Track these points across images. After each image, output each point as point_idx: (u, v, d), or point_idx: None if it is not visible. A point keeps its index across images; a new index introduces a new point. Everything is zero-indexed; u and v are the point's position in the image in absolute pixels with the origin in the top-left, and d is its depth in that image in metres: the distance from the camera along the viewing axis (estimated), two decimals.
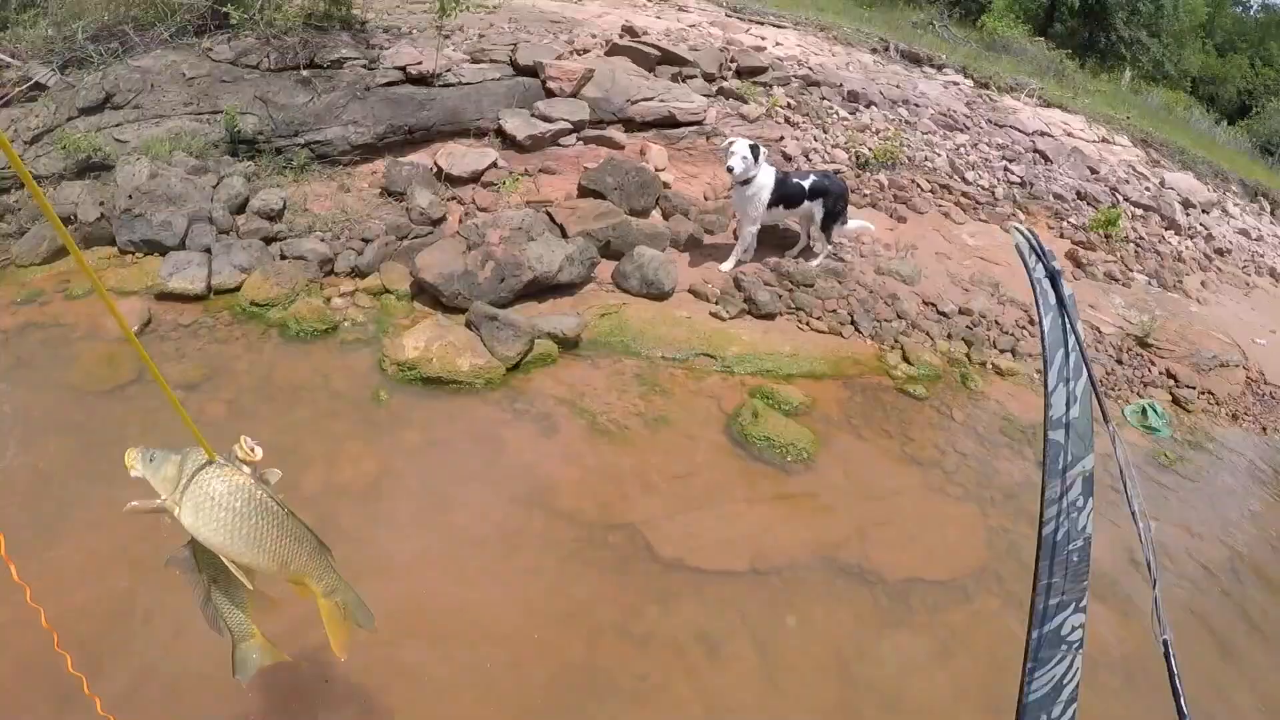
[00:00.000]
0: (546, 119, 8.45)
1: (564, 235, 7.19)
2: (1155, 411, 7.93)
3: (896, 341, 7.35)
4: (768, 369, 6.69)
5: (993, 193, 10.36)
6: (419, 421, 5.50)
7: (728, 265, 7.66)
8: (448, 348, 5.89)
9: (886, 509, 5.49)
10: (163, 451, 1.99)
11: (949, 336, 7.66)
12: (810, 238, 8.08)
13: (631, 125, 8.89)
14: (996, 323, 8.03)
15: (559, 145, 8.47)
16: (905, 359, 7.17)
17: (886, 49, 14.99)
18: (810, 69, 11.60)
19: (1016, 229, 2.23)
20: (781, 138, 9.55)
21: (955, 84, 14.06)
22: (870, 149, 9.87)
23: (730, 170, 7.11)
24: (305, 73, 7.95)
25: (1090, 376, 2.00)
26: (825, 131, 10.02)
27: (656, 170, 8.32)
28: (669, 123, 9.01)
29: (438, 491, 4.93)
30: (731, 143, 7.16)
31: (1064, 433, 2.01)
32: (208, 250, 6.55)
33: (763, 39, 12.80)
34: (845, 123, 10.39)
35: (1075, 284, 9.43)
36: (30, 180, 1.29)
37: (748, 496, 5.34)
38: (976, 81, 14.45)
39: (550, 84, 8.80)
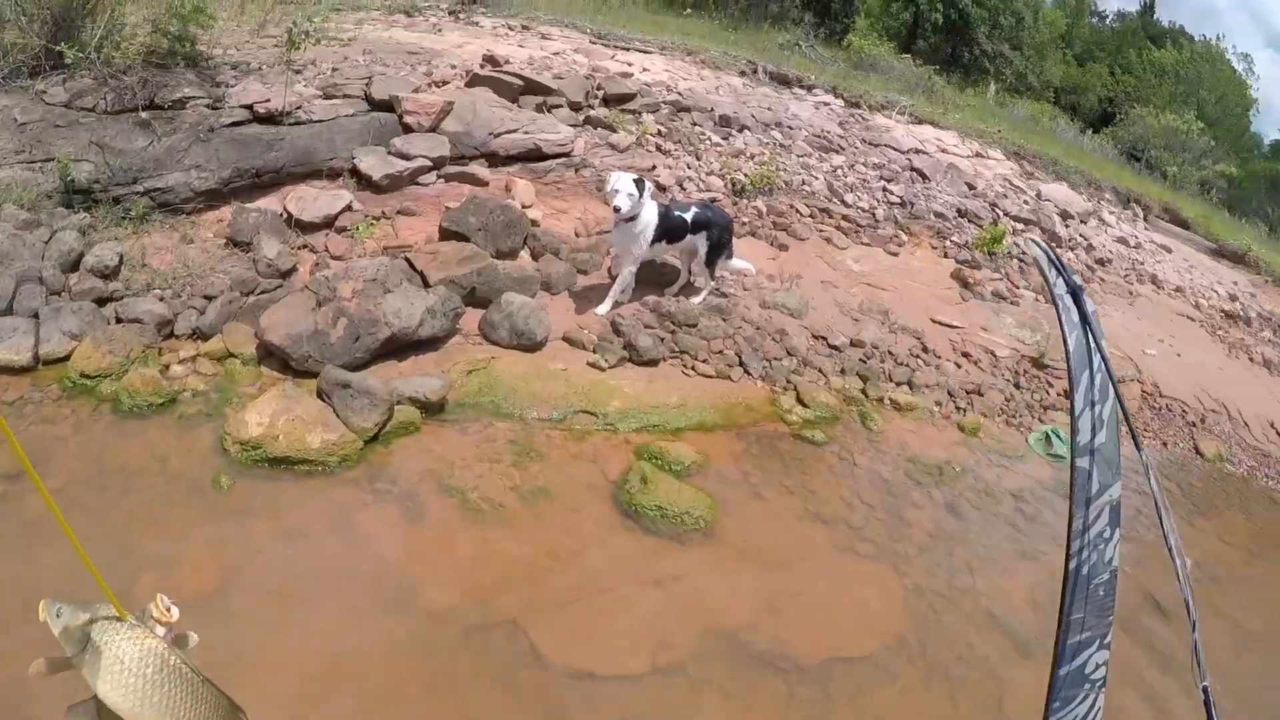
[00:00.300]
0: (404, 156, 7.89)
1: (425, 284, 6.64)
2: (1059, 438, 7.76)
3: (789, 382, 7.00)
4: (654, 424, 6.23)
5: (873, 214, 10.15)
6: (266, 510, 4.83)
7: (604, 308, 7.20)
8: (295, 422, 5.21)
9: (795, 578, 5.10)
10: (70, 607, 1.81)
11: (842, 372, 7.34)
12: (691, 273, 7.71)
13: (495, 160, 8.40)
14: (890, 353, 7.76)
15: (418, 184, 7.91)
16: (800, 400, 6.83)
17: (755, 71, 14.86)
18: (680, 94, 11.26)
19: (1034, 241, 2.20)
20: (654, 167, 9.12)
21: (826, 104, 13.99)
22: (746, 175, 9.53)
23: (617, 210, 6.69)
24: (145, 114, 7.19)
25: (1118, 398, 1.93)
26: (699, 158, 9.64)
27: (523, 207, 7.86)
28: (535, 156, 8.55)
29: (289, 595, 4.30)
30: (617, 179, 6.74)
31: (1089, 459, 1.93)
32: (36, 315, 5.73)
33: (629, 65, 12.43)
34: (719, 148, 10.05)
35: (964, 305, 9.22)
36: None
37: (642, 577, 4.85)
38: (847, 101, 14.42)
39: (408, 119, 8.23)
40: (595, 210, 8.29)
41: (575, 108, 9.65)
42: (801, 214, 9.62)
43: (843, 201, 10.11)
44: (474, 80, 9.26)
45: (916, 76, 17.08)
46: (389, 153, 7.89)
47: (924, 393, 7.46)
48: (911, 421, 7.08)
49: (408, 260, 6.79)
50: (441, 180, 7.96)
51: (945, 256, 10.24)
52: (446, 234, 7.19)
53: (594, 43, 13.96)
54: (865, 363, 7.50)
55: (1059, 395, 8.48)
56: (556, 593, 4.57)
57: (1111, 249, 12.92)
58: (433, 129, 8.21)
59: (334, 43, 10.11)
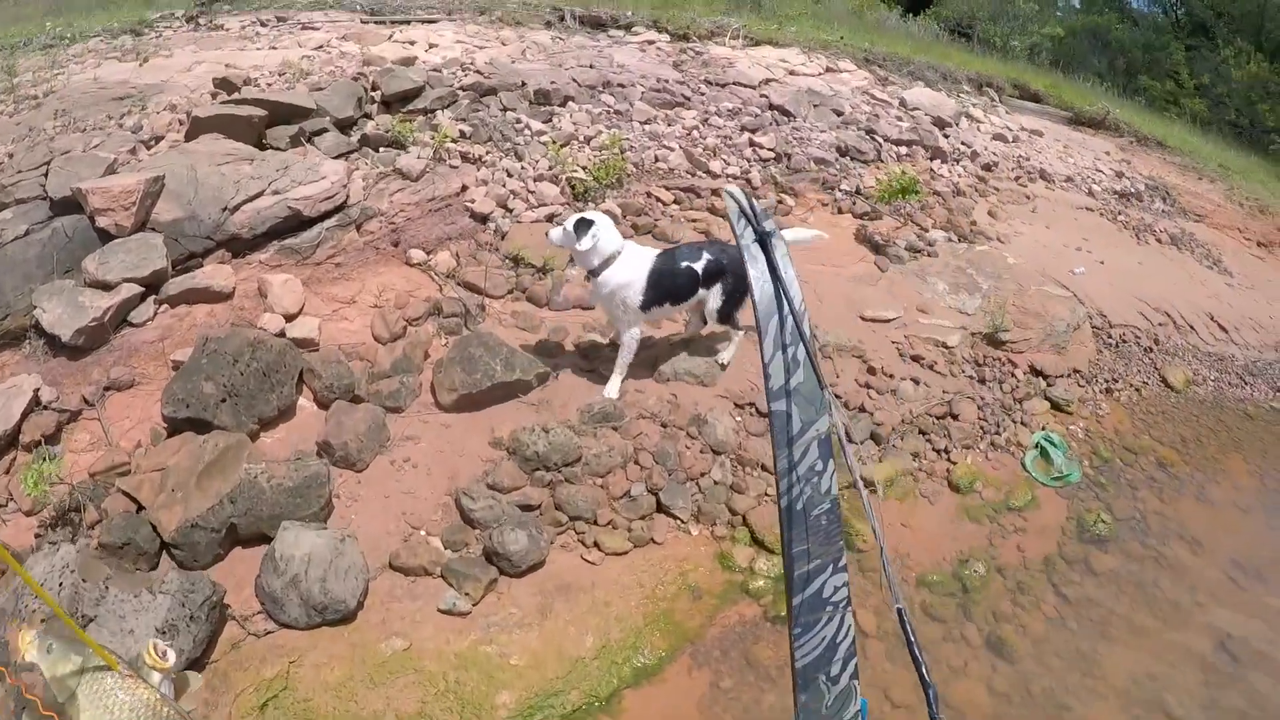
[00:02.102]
0: (103, 285, 5.00)
1: (162, 546, 3.99)
2: (1053, 445, 5.90)
3: (733, 512, 4.72)
4: (573, 709, 3.77)
5: (749, 180, 7.85)
6: None
7: (612, 389, 5.16)
8: None
9: None
10: (63, 644, 1.87)
11: None
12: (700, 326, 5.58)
13: (239, 246, 5.54)
14: (836, 396, 5.50)
15: (130, 324, 5.04)
16: (757, 540, 4.59)
17: (562, 19, 12.16)
18: (480, 71, 8.55)
19: (729, 193, 2.11)
20: (464, 188, 6.54)
21: (652, 43, 11.50)
22: (586, 168, 7.03)
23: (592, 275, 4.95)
24: None
25: (804, 339, 1.95)
26: (520, 159, 7.07)
27: (287, 320, 5.16)
28: (294, 223, 5.71)
29: None
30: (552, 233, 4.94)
31: (786, 401, 1.94)
32: None
33: (411, 44, 9.62)
34: (543, 137, 7.48)
35: (886, 280, 7.10)
36: None
37: None
38: (673, 35, 11.93)
39: (100, 220, 5.28)
40: (396, 283, 5.68)
41: (345, 126, 6.84)
42: (664, 203, 7.21)
43: (709, 173, 7.72)
44: (196, 126, 6.28)
45: None
46: (84, 284, 5.00)
47: (896, 449, 5.30)
48: (898, 506, 4.93)
49: (125, 494, 4.09)
50: (164, 309, 5.11)
51: (840, 213, 8.06)
52: (175, 424, 4.45)
53: (366, 23, 10.94)
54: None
55: (1027, 375, 6.55)
56: None
57: (994, 150, 11.03)
58: (140, 226, 5.32)
59: (21, 104, 7.12)
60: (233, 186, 5.56)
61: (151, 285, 5.10)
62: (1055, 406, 6.37)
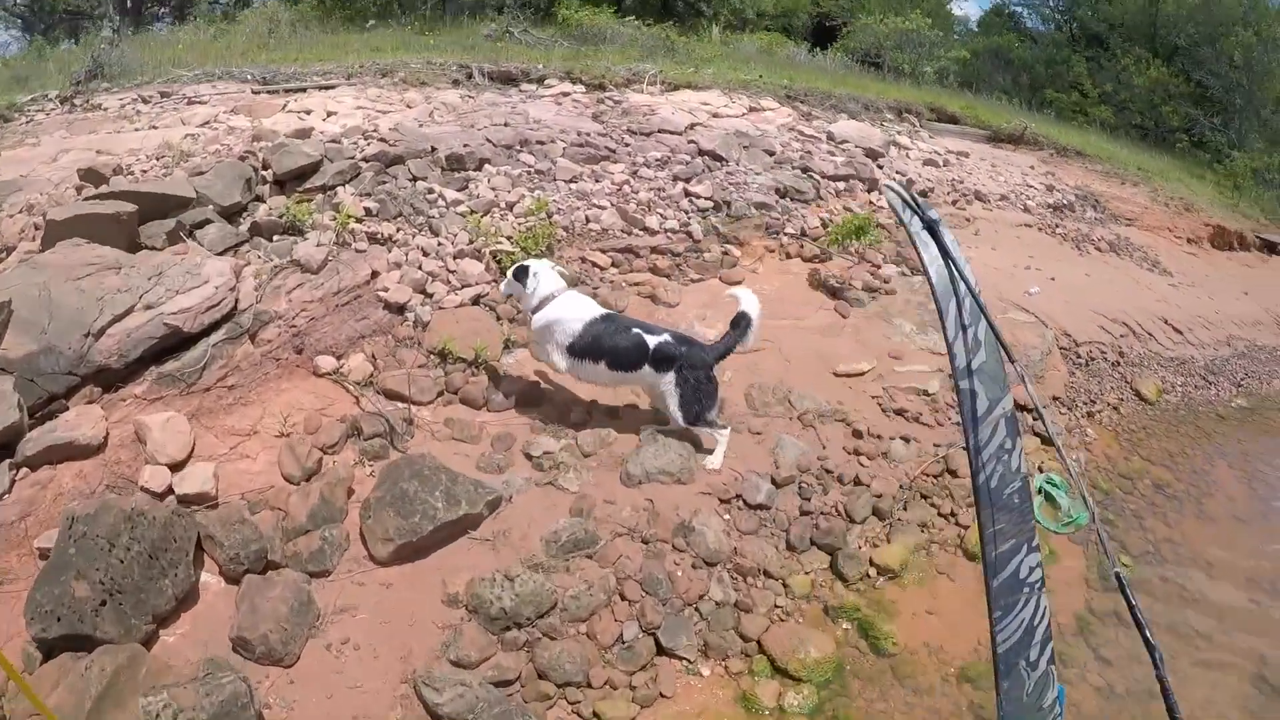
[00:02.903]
0: None
1: None
2: (1055, 487, 5.40)
3: (744, 638, 3.88)
4: None
5: (689, 233, 7.19)
6: None
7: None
8: None
9: None
10: None
11: (791, 549, 4.39)
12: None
13: (109, 378, 4.47)
14: (827, 471, 4.94)
15: None
16: (778, 668, 3.77)
17: (470, 76, 11.43)
18: (384, 139, 7.74)
19: (888, 185, 2.10)
20: (374, 275, 5.69)
21: (567, 95, 10.85)
22: (510, 237, 6.29)
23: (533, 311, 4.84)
24: None
25: (987, 317, 1.93)
26: (437, 234, 6.27)
27: (173, 470, 4.12)
28: (174, 342, 4.66)
29: None
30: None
31: (971, 380, 1.92)
32: None
33: (307, 114, 8.78)
34: (459, 207, 6.71)
35: (850, 326, 6.51)
36: None
37: None
38: (588, 85, 11.32)
39: None
40: (304, 400, 4.72)
41: (232, 215, 5.94)
42: (601, 268, 6.49)
43: (646, 229, 7.05)
44: (52, 231, 5.21)
45: (651, 37, 14.23)
46: None
47: (901, 524, 4.62)
48: (919, 594, 4.24)
49: None
50: (22, 475, 3.97)
51: (789, 257, 7.45)
52: (48, 646, 3.29)
53: (258, 93, 10.09)
54: (810, 516, 4.48)
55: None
56: None
57: (928, 175, 10.63)
58: None
59: None
60: (95, 305, 4.51)
61: (4, 446, 4.01)
62: (1046, 440, 5.84)
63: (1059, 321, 7.75)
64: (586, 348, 4.64)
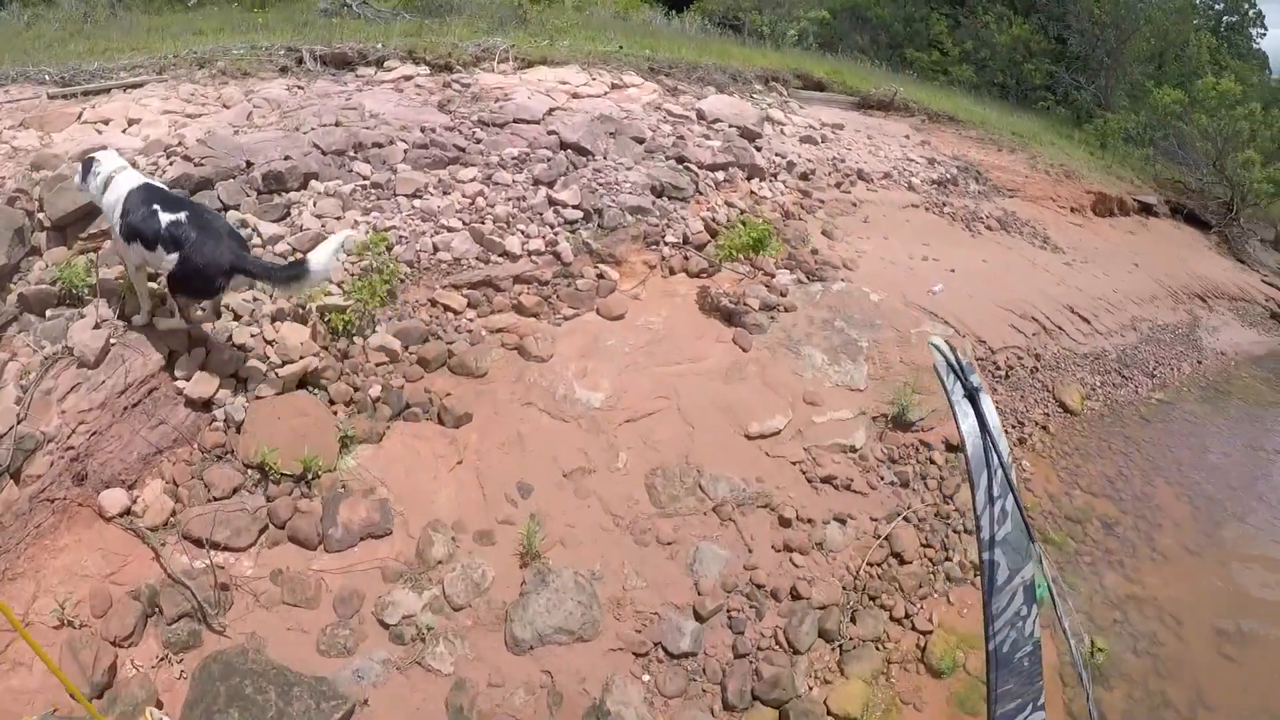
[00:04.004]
0: None
1: None
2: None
3: None
4: None
5: (556, 255, 5.99)
6: None
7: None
8: None
9: None
10: None
11: (729, 710, 3.48)
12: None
13: None
14: (758, 587, 4.03)
15: None
16: None
17: (300, 61, 9.71)
18: (189, 156, 6.19)
19: (935, 345, 2.04)
20: (170, 358, 4.28)
21: (409, 79, 9.35)
22: (341, 285, 4.93)
23: None
24: None
25: (1013, 491, 1.91)
26: (250, 288, 4.84)
27: None
28: None
29: None
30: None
31: (996, 551, 1.92)
32: None
33: (105, 125, 7.05)
34: (279, 244, 5.29)
35: (751, 361, 5.47)
36: None
37: None
38: (433, 65, 9.80)
39: None
40: (88, 563, 3.41)
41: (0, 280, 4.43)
42: (456, 312, 5.25)
43: (506, 254, 5.80)
44: None
45: (502, 6, 12.66)
46: None
47: (853, 645, 3.71)
48: None
49: None
50: None
51: (673, 273, 6.38)
52: None
53: (55, 97, 8.10)
54: (747, 658, 3.50)
55: (944, 455, 5.11)
56: None
57: (808, 156, 9.70)
58: None
59: None
60: None
61: None
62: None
63: (969, 325, 7.03)
64: (128, 230, 4.19)
